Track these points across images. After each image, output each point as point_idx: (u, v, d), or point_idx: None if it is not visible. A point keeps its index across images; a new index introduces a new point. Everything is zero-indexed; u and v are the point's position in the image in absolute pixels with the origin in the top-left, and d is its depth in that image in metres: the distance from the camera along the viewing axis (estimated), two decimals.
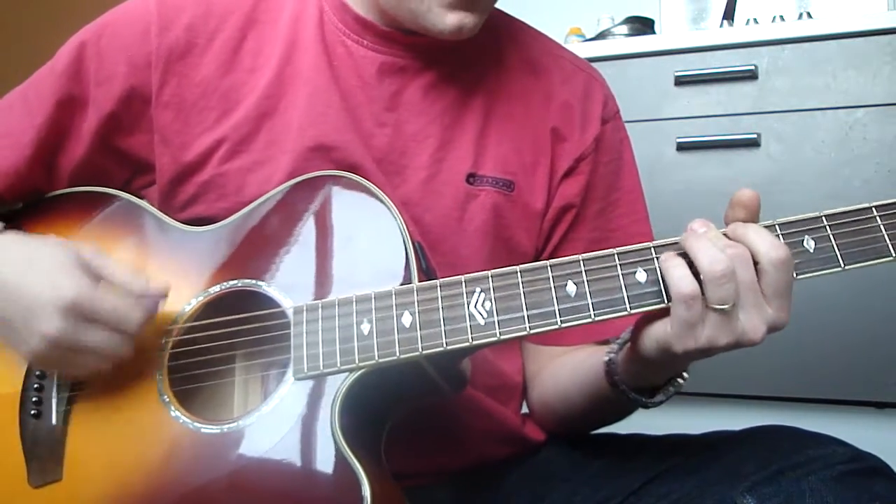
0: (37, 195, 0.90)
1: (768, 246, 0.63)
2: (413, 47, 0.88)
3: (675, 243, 0.67)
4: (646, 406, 0.77)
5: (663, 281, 0.65)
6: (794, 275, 0.65)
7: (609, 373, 0.77)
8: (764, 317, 0.64)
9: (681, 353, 0.65)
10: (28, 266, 0.74)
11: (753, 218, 0.67)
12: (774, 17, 1.88)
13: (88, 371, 0.74)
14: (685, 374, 0.76)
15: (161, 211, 0.89)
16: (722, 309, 0.63)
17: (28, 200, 0.90)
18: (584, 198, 0.94)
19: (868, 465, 0.71)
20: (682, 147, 1.80)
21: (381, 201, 0.75)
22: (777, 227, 0.66)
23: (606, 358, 0.78)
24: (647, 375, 0.75)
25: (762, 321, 0.64)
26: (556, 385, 0.92)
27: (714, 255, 0.63)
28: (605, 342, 0.90)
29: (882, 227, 0.65)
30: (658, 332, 0.66)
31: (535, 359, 0.96)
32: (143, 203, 0.86)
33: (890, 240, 0.64)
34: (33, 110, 0.87)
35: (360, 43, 0.88)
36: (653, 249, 0.67)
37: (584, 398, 0.85)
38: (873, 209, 0.65)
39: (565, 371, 0.90)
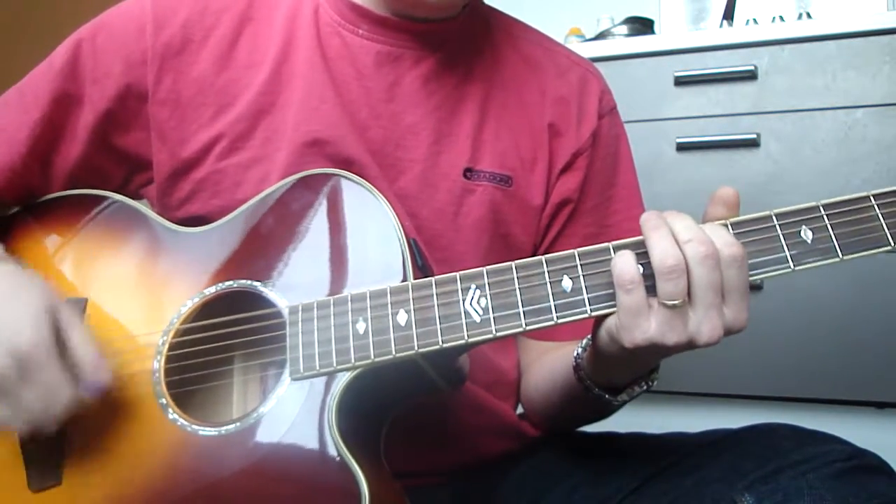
0: (30, 195, 0.90)
1: (722, 243, 0.62)
2: (409, 33, 0.88)
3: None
4: (611, 404, 0.77)
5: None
6: (793, 266, 0.64)
7: (576, 368, 0.77)
8: (721, 319, 0.63)
9: (629, 345, 0.64)
10: (4, 301, 0.72)
11: (733, 215, 0.66)
12: (774, 18, 1.88)
13: (18, 421, 0.69)
14: (655, 376, 0.75)
15: (158, 210, 0.90)
16: (672, 305, 0.62)
17: (22, 202, 0.90)
18: (582, 193, 0.94)
19: (867, 463, 0.70)
20: (681, 147, 1.80)
21: (377, 199, 0.74)
22: (774, 217, 0.65)
23: (575, 353, 0.78)
24: (609, 373, 0.75)
25: (719, 323, 0.62)
26: (538, 380, 0.92)
27: (666, 249, 0.62)
28: None
29: (880, 215, 0.64)
30: (609, 322, 0.66)
31: (527, 352, 0.97)
32: (138, 205, 0.86)
33: (888, 228, 0.63)
34: (29, 107, 0.87)
35: (355, 33, 0.89)
36: None
37: (558, 394, 0.85)
38: (871, 197, 0.64)
39: (545, 366, 0.90)
